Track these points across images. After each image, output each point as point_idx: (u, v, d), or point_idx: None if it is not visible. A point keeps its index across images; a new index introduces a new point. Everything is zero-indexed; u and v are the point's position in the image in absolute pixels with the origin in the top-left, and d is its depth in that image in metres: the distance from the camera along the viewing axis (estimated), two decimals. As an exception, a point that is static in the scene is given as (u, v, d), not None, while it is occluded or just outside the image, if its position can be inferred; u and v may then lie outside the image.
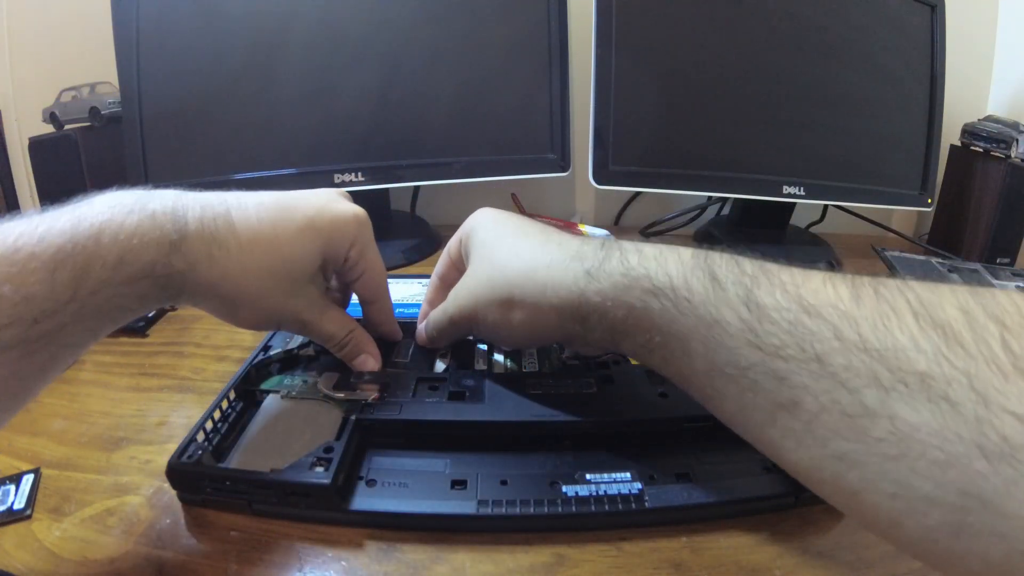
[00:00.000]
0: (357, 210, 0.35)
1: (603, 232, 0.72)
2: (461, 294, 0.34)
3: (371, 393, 0.35)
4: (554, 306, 0.28)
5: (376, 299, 0.39)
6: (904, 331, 0.19)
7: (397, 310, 0.46)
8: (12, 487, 0.31)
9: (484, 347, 0.40)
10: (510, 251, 0.31)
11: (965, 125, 0.74)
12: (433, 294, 0.40)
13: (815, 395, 0.21)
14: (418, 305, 0.47)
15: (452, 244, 0.38)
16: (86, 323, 0.25)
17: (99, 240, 0.25)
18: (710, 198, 0.79)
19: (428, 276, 0.53)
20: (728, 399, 0.24)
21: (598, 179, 0.65)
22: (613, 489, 0.30)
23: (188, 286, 0.28)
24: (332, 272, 0.37)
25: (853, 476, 0.20)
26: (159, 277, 0.27)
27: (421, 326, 0.39)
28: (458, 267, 0.37)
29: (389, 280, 0.52)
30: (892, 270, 0.68)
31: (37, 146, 0.64)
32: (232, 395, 0.35)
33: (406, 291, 0.50)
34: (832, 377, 0.20)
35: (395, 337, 0.41)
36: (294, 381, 0.37)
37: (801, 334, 0.21)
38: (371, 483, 0.30)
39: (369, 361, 0.37)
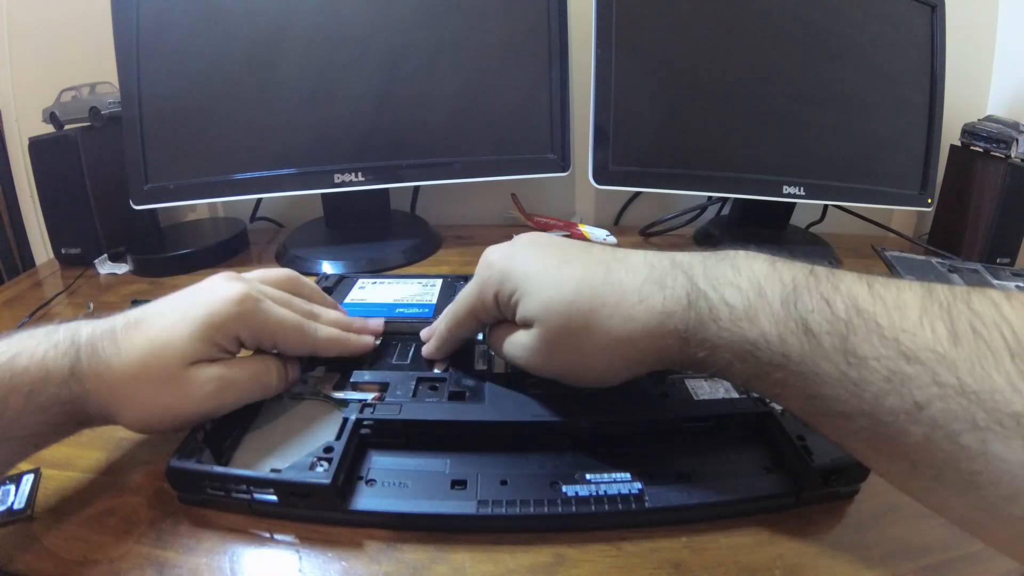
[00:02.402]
0: (237, 290, 0.32)
1: (603, 232, 0.72)
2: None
3: (371, 393, 0.35)
4: (655, 360, 0.29)
5: (317, 344, 0.35)
6: (1001, 372, 0.20)
7: (396, 310, 0.46)
8: (12, 487, 0.31)
9: (484, 347, 0.40)
10: (587, 318, 0.28)
11: (965, 125, 0.74)
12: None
13: (913, 435, 0.21)
14: (418, 305, 0.47)
15: (488, 295, 0.32)
16: (11, 447, 0.28)
17: (14, 368, 0.28)
18: (710, 198, 0.79)
19: (428, 276, 0.53)
20: (827, 430, 0.26)
21: (598, 179, 0.65)
22: (613, 489, 0.30)
23: (90, 407, 0.30)
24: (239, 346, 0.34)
25: (944, 490, 0.22)
26: (65, 404, 0.29)
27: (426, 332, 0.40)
28: (491, 312, 0.33)
29: (388, 280, 0.53)
30: (892, 270, 0.68)
31: (37, 146, 0.63)
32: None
33: (406, 291, 0.50)
34: (931, 422, 0.21)
35: (376, 329, 0.41)
36: (294, 381, 0.37)
37: (900, 381, 0.22)
38: (371, 483, 0.30)
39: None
